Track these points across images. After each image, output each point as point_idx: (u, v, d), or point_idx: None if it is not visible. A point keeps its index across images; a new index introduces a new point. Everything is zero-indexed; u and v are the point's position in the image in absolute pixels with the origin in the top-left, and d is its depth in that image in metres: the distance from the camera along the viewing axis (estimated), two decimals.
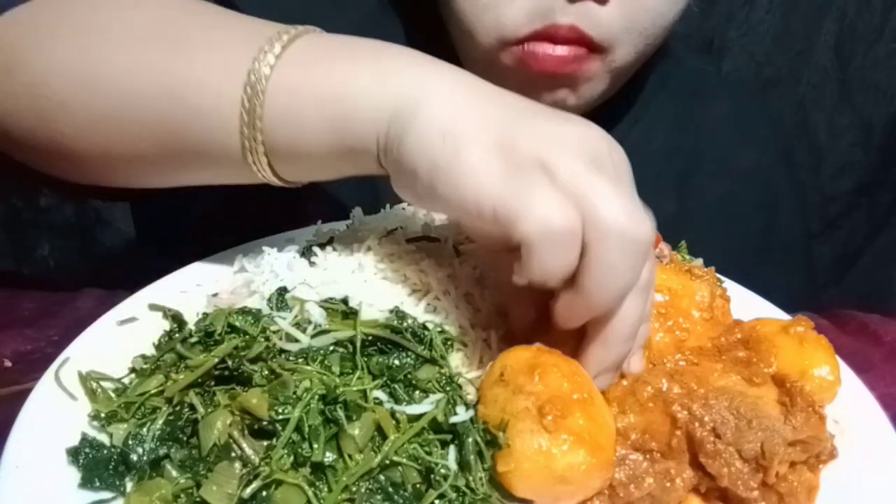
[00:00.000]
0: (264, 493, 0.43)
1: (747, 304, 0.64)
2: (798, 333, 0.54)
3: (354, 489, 0.43)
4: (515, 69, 0.76)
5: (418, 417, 0.47)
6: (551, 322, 0.49)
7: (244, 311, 0.53)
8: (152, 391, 0.49)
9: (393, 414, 0.47)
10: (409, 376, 0.49)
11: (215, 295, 0.61)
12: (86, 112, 0.57)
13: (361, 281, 0.57)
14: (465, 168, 0.45)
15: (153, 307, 0.59)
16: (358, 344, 0.50)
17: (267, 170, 0.55)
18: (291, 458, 0.44)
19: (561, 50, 0.74)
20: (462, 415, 0.47)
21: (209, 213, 0.80)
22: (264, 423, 0.45)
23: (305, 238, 0.67)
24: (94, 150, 0.59)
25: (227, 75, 0.53)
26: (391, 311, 0.54)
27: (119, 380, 0.52)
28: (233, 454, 0.44)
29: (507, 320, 0.56)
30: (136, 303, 0.60)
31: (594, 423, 0.45)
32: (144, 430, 0.47)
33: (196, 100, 0.54)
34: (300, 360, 0.49)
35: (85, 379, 0.51)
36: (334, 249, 0.62)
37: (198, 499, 0.43)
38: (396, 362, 0.50)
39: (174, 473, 0.44)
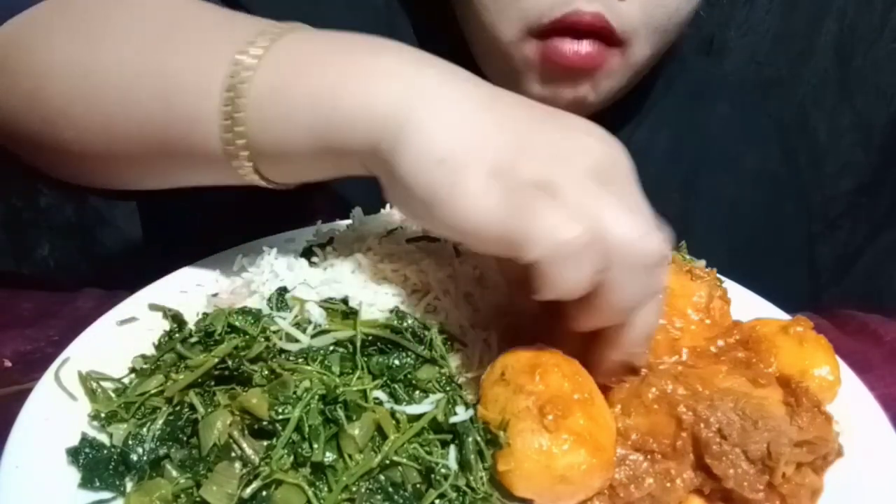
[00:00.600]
0: (264, 493, 0.43)
1: (747, 305, 0.64)
2: (798, 333, 0.54)
3: (354, 489, 0.43)
4: (538, 64, 0.76)
5: (418, 417, 0.47)
6: (554, 318, 0.49)
7: (244, 311, 0.53)
8: (152, 391, 0.49)
9: (393, 414, 0.47)
10: (409, 376, 0.49)
11: (215, 295, 0.61)
12: (85, 118, 0.57)
13: (361, 281, 0.57)
14: (464, 197, 0.44)
15: (153, 307, 0.59)
16: (358, 344, 0.50)
17: (249, 170, 0.54)
18: (291, 458, 0.44)
19: (585, 46, 0.74)
20: (462, 414, 0.47)
21: (213, 212, 0.80)
22: (264, 423, 0.45)
23: (305, 238, 0.67)
24: (96, 155, 0.59)
25: (208, 75, 0.52)
26: (391, 311, 0.54)
27: (119, 380, 0.52)
28: (233, 454, 0.44)
29: (510, 314, 0.56)
30: (136, 303, 0.60)
31: (595, 422, 0.45)
32: (144, 430, 0.47)
33: (182, 102, 0.53)
34: (300, 360, 0.49)
35: (85, 379, 0.51)
36: (334, 249, 0.62)
37: (198, 499, 0.43)
38: (396, 362, 0.50)
39: (174, 473, 0.44)
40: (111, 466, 0.45)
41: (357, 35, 0.53)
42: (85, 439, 0.46)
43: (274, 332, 0.51)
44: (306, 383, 0.47)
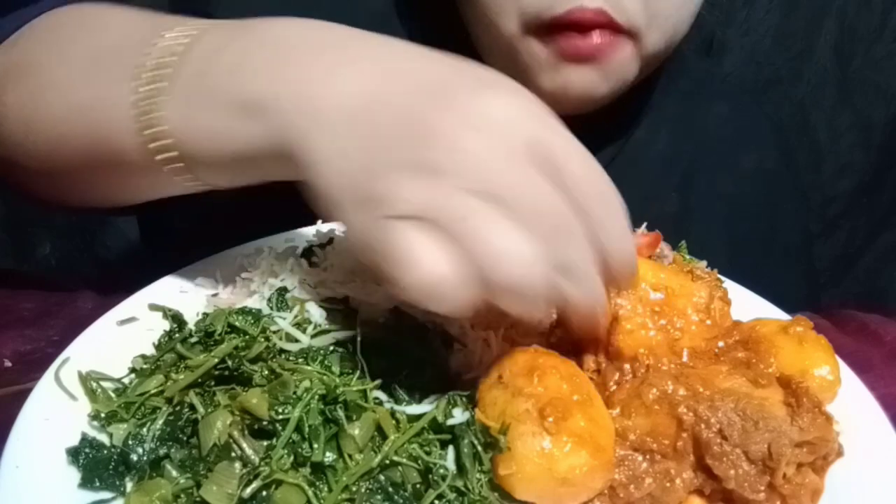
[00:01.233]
0: (264, 493, 0.43)
1: (747, 305, 0.64)
2: (798, 333, 0.54)
3: (354, 489, 0.43)
4: (545, 58, 0.75)
5: (418, 417, 0.47)
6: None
7: (244, 311, 0.53)
8: (152, 391, 0.49)
9: (393, 414, 0.47)
10: (409, 376, 0.49)
11: (215, 295, 0.61)
12: (38, 150, 0.62)
13: (361, 281, 0.57)
14: (350, 230, 0.45)
15: (153, 307, 0.59)
16: (358, 344, 0.50)
17: (178, 173, 0.54)
18: (291, 458, 0.44)
19: (595, 37, 0.73)
20: (458, 417, 0.47)
21: (213, 212, 0.80)
22: (264, 423, 0.45)
23: (305, 238, 0.67)
24: (58, 178, 0.65)
25: (125, 88, 0.53)
26: (391, 311, 0.54)
27: (119, 380, 0.52)
28: (233, 454, 0.44)
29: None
30: (136, 303, 0.60)
31: (595, 424, 0.45)
32: (144, 430, 0.47)
33: (108, 120, 0.56)
34: (300, 360, 0.49)
35: (85, 379, 0.51)
36: (334, 249, 0.62)
37: (198, 499, 0.43)
38: (396, 362, 0.50)
39: (174, 473, 0.44)
40: (111, 466, 0.45)
41: (270, 27, 0.53)
42: (85, 439, 0.46)
43: (274, 332, 0.51)
44: (306, 383, 0.47)
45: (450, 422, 0.46)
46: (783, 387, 0.50)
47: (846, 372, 0.55)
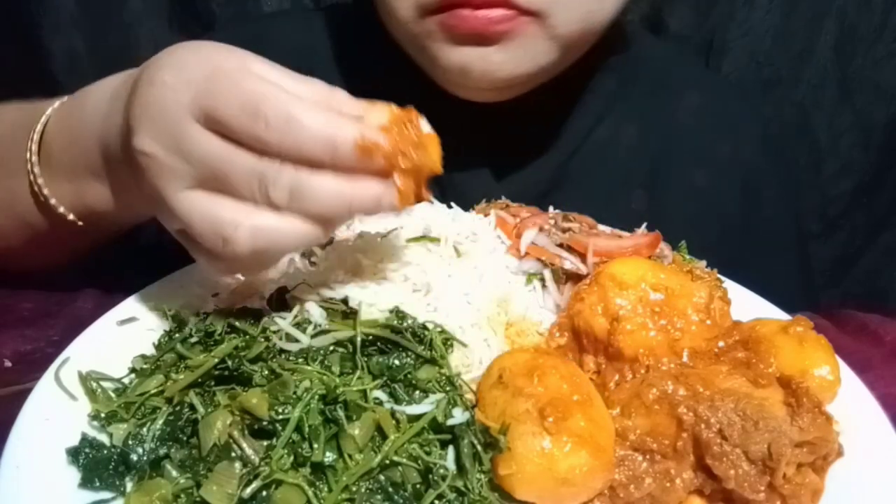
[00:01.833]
0: (264, 493, 0.43)
1: (747, 305, 0.64)
2: (798, 333, 0.54)
3: (354, 489, 0.43)
4: (442, 34, 0.74)
5: (418, 417, 0.47)
6: None
7: (244, 311, 0.53)
8: (152, 391, 0.49)
9: (393, 414, 0.47)
10: (409, 376, 0.49)
11: (215, 295, 0.61)
12: None
13: (361, 281, 0.57)
14: None
15: (153, 307, 0.59)
16: (358, 344, 0.50)
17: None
18: (291, 458, 0.44)
19: (484, 12, 0.71)
20: (458, 417, 0.47)
21: None
22: (264, 423, 0.45)
23: None
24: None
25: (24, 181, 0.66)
26: (391, 311, 0.54)
27: (119, 380, 0.52)
28: (233, 454, 0.44)
29: None
30: (136, 303, 0.60)
31: (595, 424, 0.45)
32: (144, 430, 0.47)
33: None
34: (300, 360, 0.49)
35: (85, 379, 0.51)
36: (334, 249, 0.62)
37: (198, 499, 0.43)
38: (396, 362, 0.50)
39: (174, 473, 0.44)
40: (111, 466, 0.45)
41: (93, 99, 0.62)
42: (85, 439, 0.46)
43: (274, 332, 0.51)
44: (306, 383, 0.47)
45: (450, 422, 0.46)
46: (783, 387, 0.50)
47: (846, 372, 0.55)
